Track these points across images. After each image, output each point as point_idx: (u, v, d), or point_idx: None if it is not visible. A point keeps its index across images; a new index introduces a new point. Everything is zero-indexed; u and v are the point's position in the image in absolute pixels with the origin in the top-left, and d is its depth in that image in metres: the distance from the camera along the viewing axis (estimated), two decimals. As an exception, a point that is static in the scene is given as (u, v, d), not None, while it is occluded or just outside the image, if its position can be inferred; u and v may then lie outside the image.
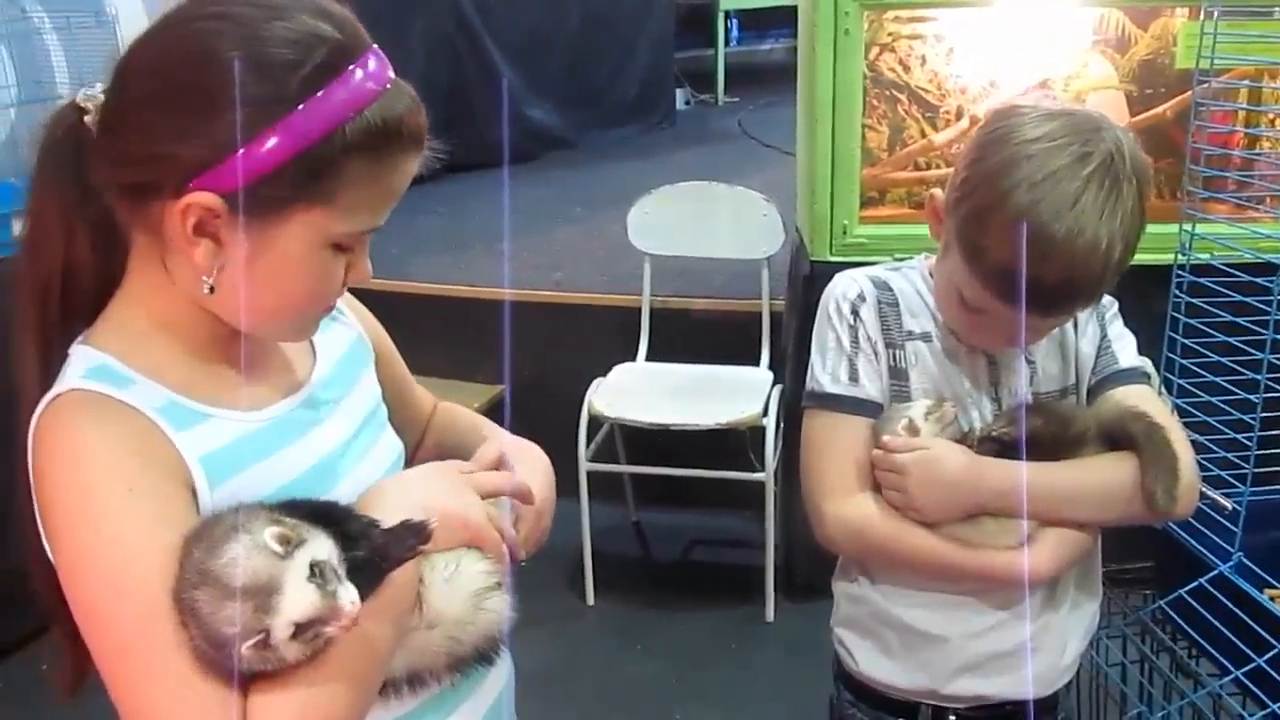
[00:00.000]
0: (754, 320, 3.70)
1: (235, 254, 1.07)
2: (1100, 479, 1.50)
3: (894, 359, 1.57)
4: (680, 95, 7.69)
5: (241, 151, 1.02)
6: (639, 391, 3.52)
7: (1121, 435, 1.51)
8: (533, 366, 3.84)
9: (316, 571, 0.98)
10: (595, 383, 3.50)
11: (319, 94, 1.03)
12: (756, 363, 3.65)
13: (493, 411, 3.97)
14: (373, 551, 1.05)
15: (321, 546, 1.00)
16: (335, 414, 1.24)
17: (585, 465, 3.35)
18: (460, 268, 4.41)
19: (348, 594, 0.99)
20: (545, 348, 3.92)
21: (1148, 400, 1.56)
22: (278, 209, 1.06)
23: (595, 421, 3.41)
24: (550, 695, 3.03)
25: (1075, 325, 1.58)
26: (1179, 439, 1.51)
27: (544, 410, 3.50)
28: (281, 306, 1.13)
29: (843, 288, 1.60)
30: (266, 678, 0.99)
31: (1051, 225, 1.34)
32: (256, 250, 1.07)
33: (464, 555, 1.17)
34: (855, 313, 1.58)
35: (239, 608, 0.95)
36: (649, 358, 3.75)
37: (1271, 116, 2.81)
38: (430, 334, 4.21)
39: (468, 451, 1.32)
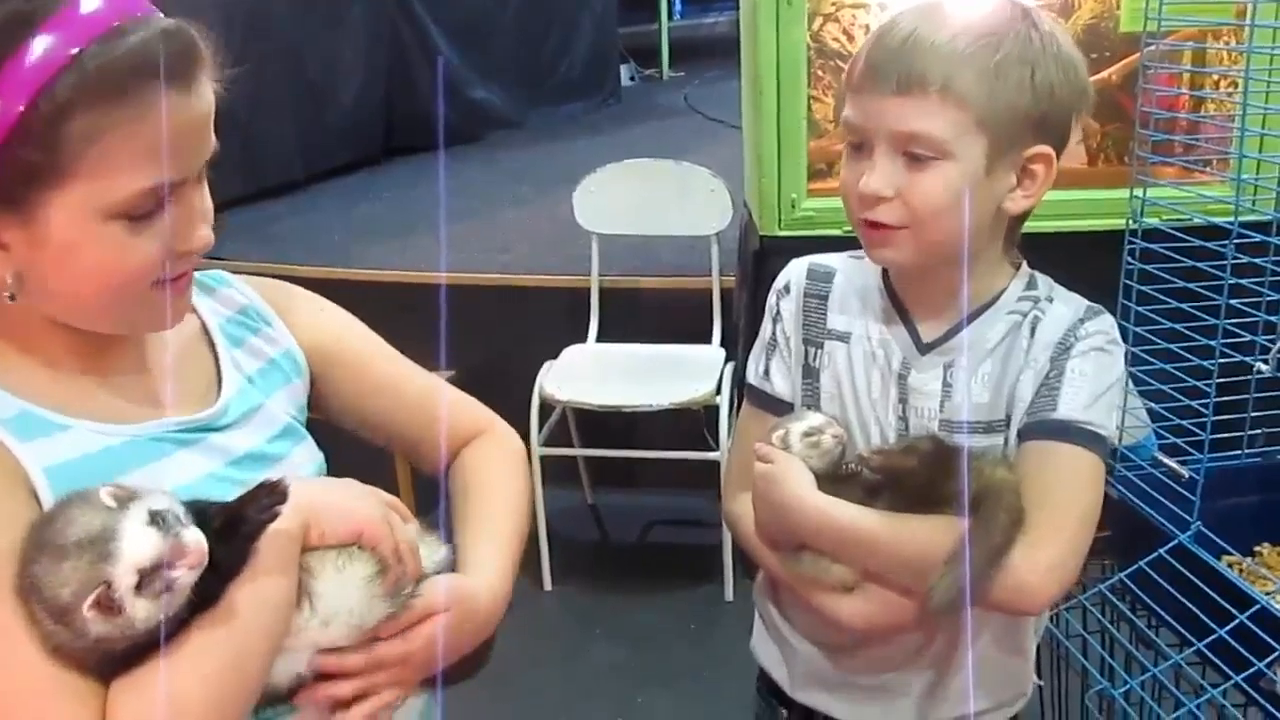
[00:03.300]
0: (705, 298, 3.66)
1: (22, 253, 1.00)
2: (912, 541, 1.29)
3: (809, 357, 1.48)
4: (625, 71, 7.65)
5: None
6: (590, 373, 3.48)
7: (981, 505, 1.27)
8: (482, 351, 3.78)
9: (157, 518, 0.93)
10: (546, 365, 3.45)
11: (14, 57, 0.93)
12: (708, 341, 3.61)
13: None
14: (229, 517, 1.00)
15: (160, 500, 0.96)
16: (232, 433, 1.16)
17: (538, 450, 3.30)
18: (406, 252, 4.35)
19: (192, 534, 0.94)
20: (494, 331, 3.88)
21: (1057, 468, 1.29)
22: (31, 193, 0.97)
23: (547, 405, 3.36)
24: (508, 683, 2.99)
25: (1028, 351, 1.35)
26: (1052, 530, 1.26)
27: (495, 395, 3.44)
28: (97, 294, 1.03)
29: (781, 276, 1.53)
30: (129, 657, 0.94)
31: (904, 16, 1.32)
32: (36, 244, 0.99)
33: (356, 551, 1.10)
34: (778, 305, 1.51)
35: (75, 564, 0.91)
36: (600, 338, 3.70)
37: (1216, 78, 2.79)
38: (376, 321, 4.13)
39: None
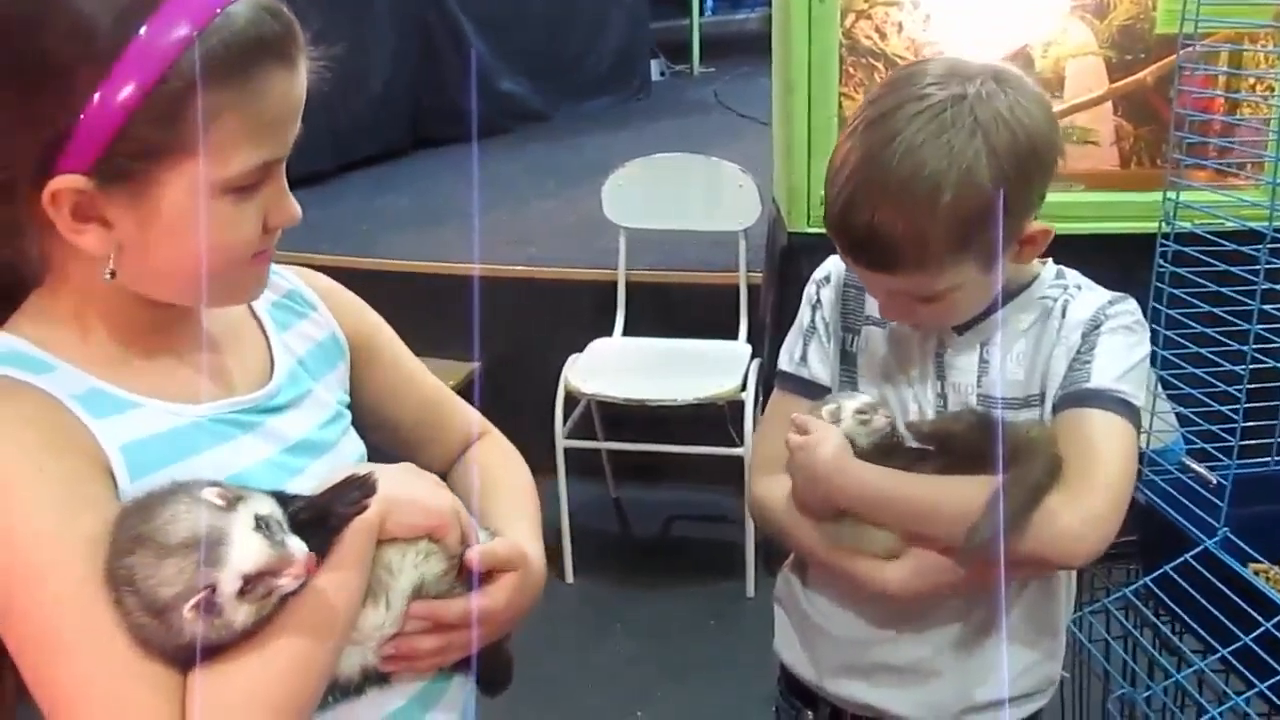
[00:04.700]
0: (732, 293, 3.66)
1: (127, 230, 1.01)
2: (952, 497, 1.32)
3: (847, 343, 1.52)
4: (655, 66, 7.63)
5: (82, 119, 0.94)
6: (616, 367, 3.48)
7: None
8: (507, 343, 3.81)
9: (262, 524, 0.94)
10: (571, 359, 3.45)
11: (139, 35, 0.94)
12: (734, 336, 3.61)
13: (465, 389, 3.93)
14: (316, 511, 1.01)
15: (264, 503, 0.96)
16: (287, 416, 1.17)
17: (562, 442, 3.31)
18: (431, 243, 4.35)
19: (297, 544, 0.95)
20: (520, 324, 3.88)
21: (1093, 431, 1.32)
22: (146, 170, 0.98)
23: (572, 398, 3.37)
24: (527, 675, 2.96)
25: (1059, 330, 1.39)
26: (1089, 484, 1.29)
27: (520, 387, 3.48)
28: (196, 269, 1.04)
29: (821, 268, 1.57)
30: (213, 651, 0.94)
31: (860, 167, 1.30)
32: (145, 219, 1.00)
33: (434, 547, 1.12)
34: (818, 293, 1.55)
35: (180, 564, 0.91)
36: (626, 333, 3.71)
37: (1253, 81, 2.77)
38: (401, 311, 4.12)
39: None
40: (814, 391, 1.51)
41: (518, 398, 3.62)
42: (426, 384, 1.39)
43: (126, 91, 0.94)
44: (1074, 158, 3.21)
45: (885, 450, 1.40)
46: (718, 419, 3.43)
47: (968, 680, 1.46)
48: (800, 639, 1.57)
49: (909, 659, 1.47)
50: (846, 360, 1.52)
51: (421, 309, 4.19)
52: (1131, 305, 1.42)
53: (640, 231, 3.76)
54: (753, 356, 3.45)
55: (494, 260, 4.08)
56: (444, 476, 1.35)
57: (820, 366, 1.53)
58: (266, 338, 1.21)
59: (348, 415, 1.26)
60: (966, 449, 1.34)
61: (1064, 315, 1.41)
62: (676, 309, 3.84)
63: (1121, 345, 1.38)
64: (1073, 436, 1.33)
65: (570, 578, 3.47)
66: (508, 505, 1.31)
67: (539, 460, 3.55)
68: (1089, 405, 1.34)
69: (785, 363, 1.56)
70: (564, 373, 3.37)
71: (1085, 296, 1.42)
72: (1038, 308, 1.43)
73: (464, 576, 1.14)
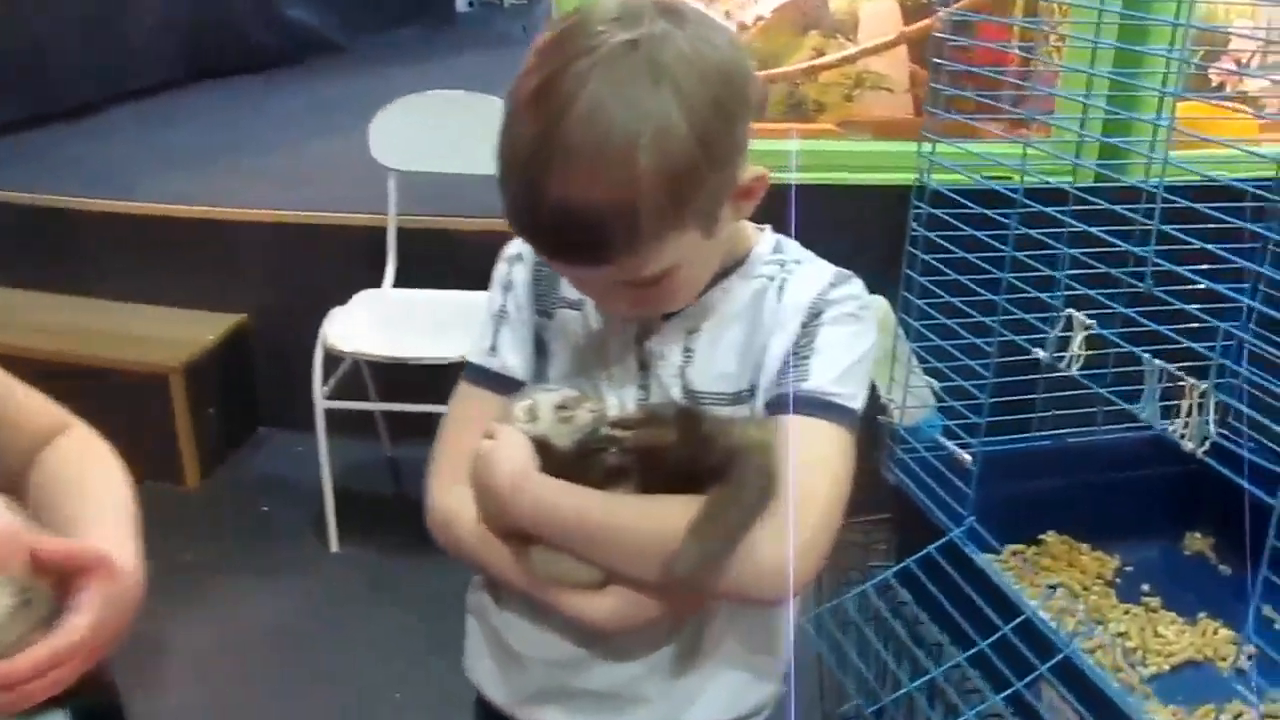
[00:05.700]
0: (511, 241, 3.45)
1: None
2: (655, 525, 1.15)
3: (541, 329, 1.34)
4: (462, -4, 7.38)
5: None
6: (382, 321, 3.25)
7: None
8: (274, 293, 3.57)
9: None
10: (333, 312, 3.21)
11: None
12: (514, 288, 3.40)
13: (236, 341, 3.64)
14: None
15: None
16: None
17: (321, 404, 3.08)
18: (203, 185, 4.04)
19: None
20: (288, 273, 3.66)
21: (805, 445, 1.18)
22: None
23: (334, 354, 3.13)
24: (289, 654, 2.83)
25: (776, 314, 1.25)
26: (799, 511, 1.14)
27: (287, 341, 3.24)
28: None
29: (512, 244, 1.37)
30: None
31: (537, 144, 1.08)
32: None
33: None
34: (509, 273, 1.36)
35: None
36: (398, 283, 3.47)
37: (1046, 33, 2.67)
38: (164, 259, 3.88)
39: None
40: (505, 386, 1.32)
41: (285, 352, 3.39)
42: None
43: None
44: (868, 104, 3.10)
45: (589, 457, 1.21)
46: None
47: (674, 705, 1.30)
48: (493, 659, 1.38)
49: (612, 684, 1.30)
50: (540, 348, 1.34)
51: (187, 258, 3.92)
52: (856, 287, 1.27)
53: (417, 174, 3.51)
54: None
55: (264, 204, 3.81)
56: (17, 487, 1.15)
57: (514, 357, 1.34)
58: None
59: None
60: (673, 461, 1.16)
61: (780, 297, 1.25)
62: (453, 258, 3.61)
63: (843, 338, 1.23)
64: (783, 452, 1.16)
65: (336, 546, 3.26)
66: (91, 508, 1.10)
67: (308, 419, 3.31)
68: (803, 412, 1.19)
69: (473, 353, 1.36)
70: (322, 328, 3.13)
71: (805, 273, 1.27)
72: (753, 286, 1.27)
73: (42, 609, 0.95)
